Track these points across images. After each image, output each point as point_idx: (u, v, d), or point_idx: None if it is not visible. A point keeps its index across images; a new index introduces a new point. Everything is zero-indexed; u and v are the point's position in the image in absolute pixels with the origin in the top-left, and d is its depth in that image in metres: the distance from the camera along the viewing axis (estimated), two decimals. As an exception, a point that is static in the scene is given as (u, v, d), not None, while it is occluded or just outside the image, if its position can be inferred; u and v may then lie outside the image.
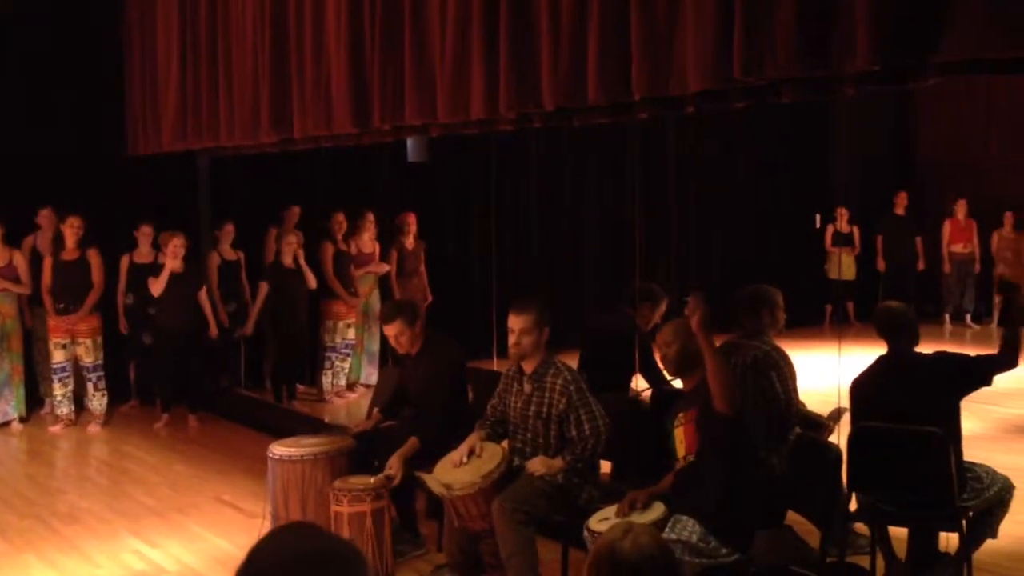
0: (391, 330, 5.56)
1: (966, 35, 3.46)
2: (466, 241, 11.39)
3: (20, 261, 8.69)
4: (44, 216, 9.02)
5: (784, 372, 4.99)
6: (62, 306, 8.56)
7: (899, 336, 4.74)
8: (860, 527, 5.02)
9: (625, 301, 6.61)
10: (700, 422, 4.19)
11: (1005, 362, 4.52)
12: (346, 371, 9.62)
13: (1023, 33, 3.31)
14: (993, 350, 4.57)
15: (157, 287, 8.52)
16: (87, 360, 8.72)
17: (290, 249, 9.02)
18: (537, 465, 4.67)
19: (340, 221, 9.45)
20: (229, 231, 9.42)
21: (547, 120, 5.98)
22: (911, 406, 4.49)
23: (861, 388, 4.78)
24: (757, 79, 4.19)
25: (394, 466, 5.24)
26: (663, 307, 6.33)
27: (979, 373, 4.56)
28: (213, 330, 8.87)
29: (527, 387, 4.79)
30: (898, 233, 13.42)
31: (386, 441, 5.50)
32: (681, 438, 4.31)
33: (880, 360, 4.79)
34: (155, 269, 8.70)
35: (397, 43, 6.10)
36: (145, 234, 9.08)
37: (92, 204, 8.99)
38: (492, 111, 5.50)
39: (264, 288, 9.15)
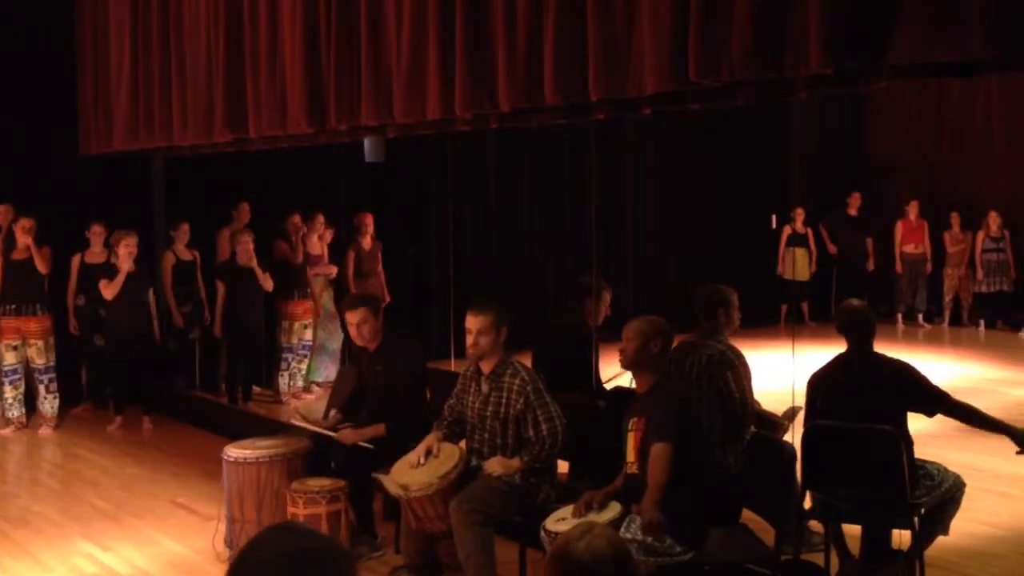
0: (355, 316, 5.50)
1: (914, 39, 3.52)
2: (424, 241, 11.36)
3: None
4: (1, 212, 8.85)
5: (739, 372, 5.03)
6: (13, 307, 8.42)
7: (860, 334, 4.78)
8: (814, 525, 5.07)
9: (576, 299, 6.61)
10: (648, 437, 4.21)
11: (957, 415, 4.61)
12: (303, 372, 9.56)
13: (968, 37, 3.37)
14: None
15: (111, 291, 8.37)
16: (39, 362, 8.58)
17: (245, 250, 8.91)
18: (495, 465, 4.67)
19: (296, 223, 9.41)
20: (184, 230, 9.31)
21: (504, 121, 5.98)
22: (868, 404, 4.53)
23: (819, 383, 4.81)
24: (712, 82, 4.24)
25: (347, 435, 5.37)
26: (607, 298, 6.35)
27: (928, 408, 4.64)
28: (157, 335, 8.74)
29: (485, 387, 4.79)
30: (850, 233, 13.59)
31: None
32: (632, 444, 4.33)
33: (840, 357, 4.83)
34: (107, 269, 8.56)
35: (353, 43, 6.08)
36: (97, 234, 8.94)
37: (44, 204, 8.83)
38: (448, 111, 5.49)
39: (222, 287, 9.06)
